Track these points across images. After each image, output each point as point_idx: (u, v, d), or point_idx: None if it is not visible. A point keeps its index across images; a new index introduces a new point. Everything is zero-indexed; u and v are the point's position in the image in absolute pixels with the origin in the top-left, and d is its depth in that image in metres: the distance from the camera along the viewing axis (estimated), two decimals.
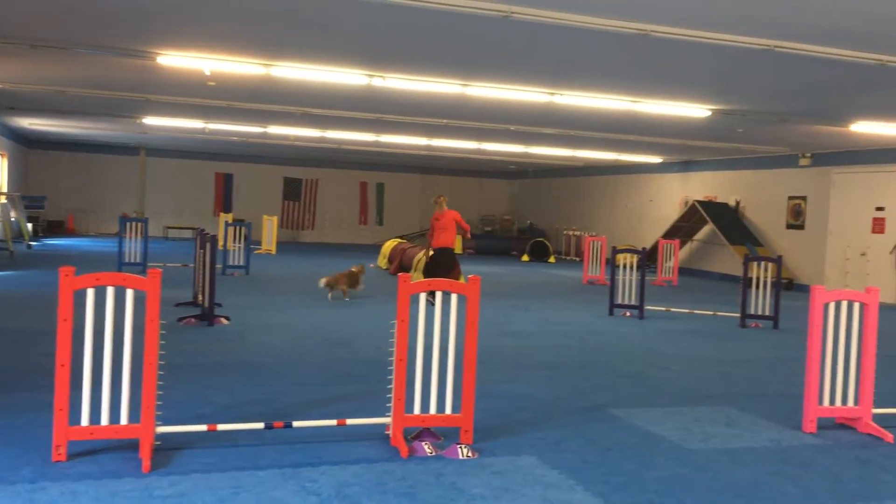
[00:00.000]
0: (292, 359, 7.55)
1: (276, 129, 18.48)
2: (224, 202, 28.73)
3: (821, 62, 8.21)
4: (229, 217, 22.95)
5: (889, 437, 5.50)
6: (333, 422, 4.97)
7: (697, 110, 12.21)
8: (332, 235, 30.05)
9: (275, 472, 4.33)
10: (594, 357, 8.37)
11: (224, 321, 9.41)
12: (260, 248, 22.33)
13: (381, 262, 19.04)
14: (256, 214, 26.06)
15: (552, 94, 11.26)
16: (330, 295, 12.41)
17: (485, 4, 6.66)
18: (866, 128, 13.20)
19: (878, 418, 5.76)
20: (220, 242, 18.90)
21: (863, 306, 5.74)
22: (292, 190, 29.58)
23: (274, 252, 22.13)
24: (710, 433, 5.54)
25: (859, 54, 7.89)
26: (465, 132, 17.28)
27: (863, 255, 16.68)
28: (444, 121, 15.35)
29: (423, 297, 4.94)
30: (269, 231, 22.37)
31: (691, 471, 4.68)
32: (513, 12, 6.72)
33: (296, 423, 4.90)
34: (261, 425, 4.84)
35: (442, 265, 12.54)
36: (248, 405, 5.70)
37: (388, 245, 19.28)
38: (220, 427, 4.79)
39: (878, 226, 16.43)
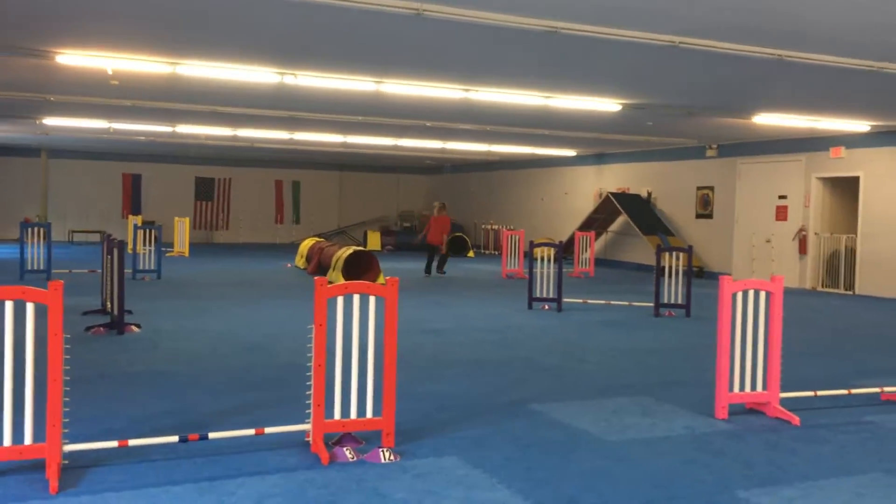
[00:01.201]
0: (207, 366, 7.35)
1: (185, 129, 17.99)
2: (133, 204, 27.84)
3: (723, 57, 8.47)
4: (138, 219, 22.27)
5: (795, 419, 5.71)
6: (251, 431, 4.85)
7: (608, 105, 12.45)
8: (247, 235, 29.49)
9: (191, 487, 4.19)
10: (514, 352, 8.44)
11: (135, 329, 9.10)
12: (172, 251, 21.73)
13: (299, 261, 18.78)
14: (167, 215, 25.39)
15: (467, 90, 11.29)
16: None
17: (395, 2, 6.61)
18: (768, 120, 13.71)
19: (785, 402, 5.98)
20: (130, 246, 18.30)
21: (769, 294, 5.94)
22: (204, 189, 28.88)
23: (187, 254, 21.57)
24: (628, 424, 5.64)
25: (759, 49, 8.17)
26: (382, 129, 17.19)
27: (768, 241, 17.35)
28: (360, 118, 15.23)
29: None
30: (181, 232, 21.78)
31: (611, 463, 4.76)
32: (424, 10, 6.69)
33: (212, 435, 4.76)
34: (175, 438, 4.68)
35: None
36: (162, 417, 5.52)
37: (306, 244, 19.03)
38: (132, 442, 4.62)
39: (781, 213, 17.12)
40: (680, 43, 7.79)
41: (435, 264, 17.59)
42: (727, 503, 4.15)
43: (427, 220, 17.99)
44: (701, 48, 7.99)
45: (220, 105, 13.90)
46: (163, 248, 17.24)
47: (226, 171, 28.89)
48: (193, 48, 8.98)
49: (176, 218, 22.63)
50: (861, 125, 14.38)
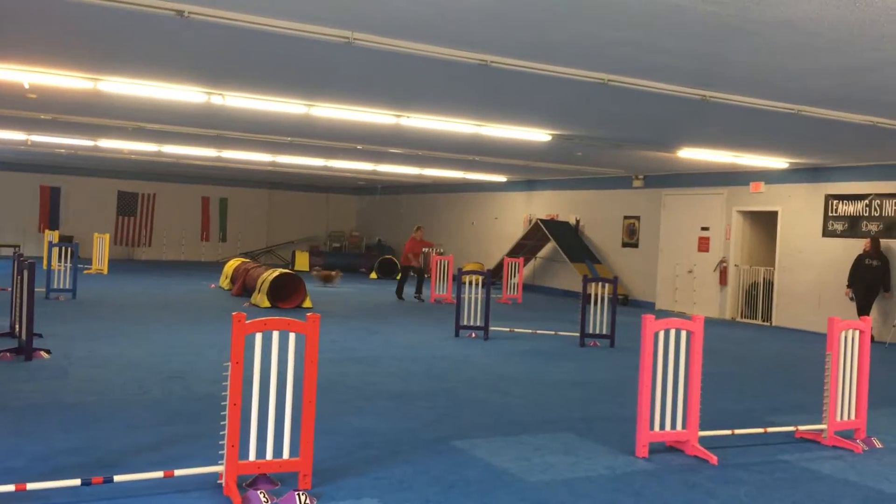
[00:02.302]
0: (121, 397, 7.05)
1: (107, 143, 17.44)
2: (50, 217, 26.83)
3: (650, 95, 8.63)
4: (55, 235, 21.47)
5: (713, 459, 5.78)
6: (160, 473, 4.63)
7: (538, 135, 12.57)
8: (171, 253, 28.74)
9: None
10: (440, 384, 8.36)
11: (44, 355, 8.69)
12: (90, 268, 20.99)
13: (223, 282, 18.36)
14: (87, 230, 24.55)
15: (398, 116, 11.24)
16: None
17: (325, 30, 6.52)
18: (692, 154, 14.06)
19: (704, 440, 6.06)
20: (44, 262, 17.60)
21: (689, 334, 6.02)
22: (127, 204, 28.05)
23: (105, 272, 20.86)
24: (550, 462, 5.62)
25: (684, 89, 8.36)
26: (312, 150, 16.99)
27: (690, 272, 17.74)
28: (290, 139, 15.02)
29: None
30: (101, 249, 21.07)
31: None
32: (354, 38, 6.62)
33: (117, 478, 4.53)
34: (77, 482, 4.44)
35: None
36: (67, 455, 5.24)
37: (231, 264, 18.63)
38: (31, 486, 4.36)
39: (704, 244, 17.54)
40: (609, 81, 7.90)
41: (413, 287, 18.19)
42: None
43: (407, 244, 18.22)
44: (629, 86, 8.12)
45: (144, 122, 13.52)
46: (80, 265, 16.61)
47: (150, 185, 28.13)
48: (116, 65, 8.69)
49: (95, 233, 21.89)
50: (780, 162, 14.88)
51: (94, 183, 27.29)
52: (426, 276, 18.52)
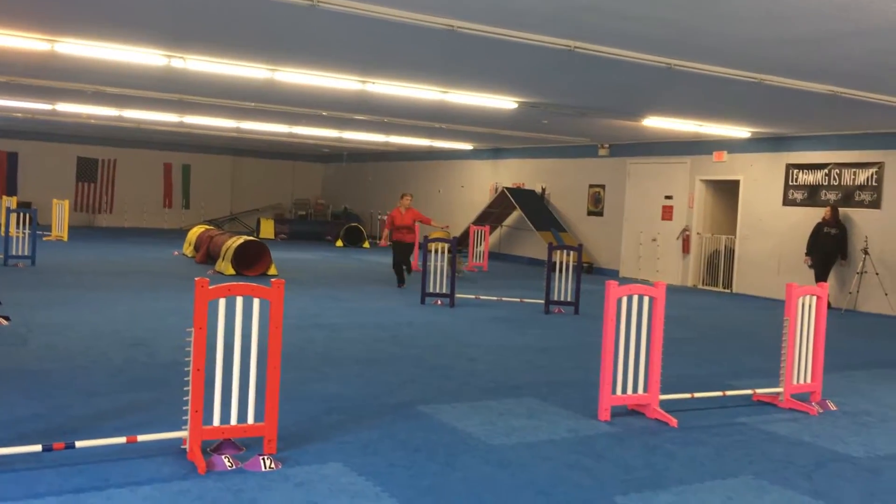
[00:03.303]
0: (82, 364, 6.98)
1: (65, 107, 17.05)
2: (7, 183, 26.26)
3: (617, 63, 8.65)
4: (13, 200, 21.02)
5: (673, 421, 5.90)
6: (123, 439, 4.60)
7: (504, 102, 12.54)
8: (132, 220, 28.31)
9: (54, 501, 3.94)
10: (405, 350, 8.39)
11: (3, 321, 8.55)
12: (49, 235, 20.62)
13: (187, 249, 18.17)
14: (46, 197, 24.06)
15: (364, 82, 11.14)
16: None
17: None
18: (656, 123, 14.14)
19: (665, 403, 6.17)
20: (2, 229, 17.26)
21: (652, 300, 6.10)
22: (87, 170, 27.53)
23: (66, 239, 20.52)
24: (514, 426, 5.68)
25: (650, 57, 8.38)
26: (276, 116, 16.78)
27: (654, 240, 17.94)
28: (253, 104, 14.82)
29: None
30: (60, 215, 20.69)
31: (494, 469, 4.77)
32: (319, 1, 6.52)
33: (79, 444, 4.49)
34: (38, 448, 4.40)
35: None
36: (28, 421, 5.19)
37: (194, 231, 18.42)
38: None
39: (667, 213, 17.73)
40: (575, 48, 7.89)
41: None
42: None
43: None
44: (595, 53, 8.12)
45: (103, 85, 13.22)
46: (39, 232, 16.31)
47: (110, 151, 27.60)
48: (73, 26, 8.48)
49: (55, 199, 21.46)
50: (742, 131, 15.03)
51: (52, 148, 26.70)
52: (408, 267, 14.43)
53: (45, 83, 13.19)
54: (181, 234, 24.09)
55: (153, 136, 25.00)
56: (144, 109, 16.96)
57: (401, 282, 14.02)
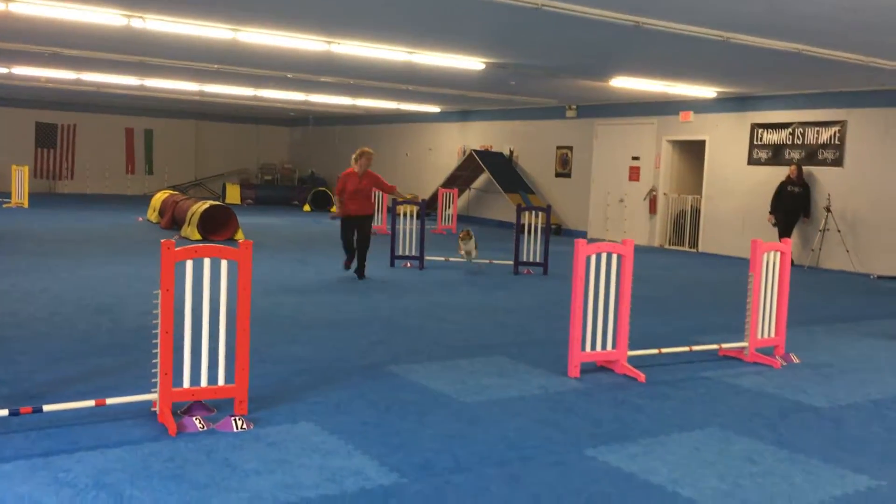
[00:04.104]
0: (46, 330, 6.88)
1: (21, 70, 16.60)
2: None
3: (584, 21, 8.60)
4: None
5: (641, 376, 5.98)
6: (91, 402, 4.56)
7: (472, 63, 12.44)
8: (95, 186, 27.79)
9: (22, 465, 3.90)
10: (375, 312, 8.38)
11: None
12: (9, 202, 20.19)
13: (151, 215, 17.92)
14: (4, 163, 23.51)
15: (329, 42, 10.97)
16: None
17: None
18: (624, 83, 14.14)
19: (633, 359, 6.25)
20: None
21: (620, 257, 6.15)
22: (46, 136, 26.90)
23: (26, 205, 20.12)
24: (485, 385, 5.73)
25: (618, 15, 8.35)
26: (240, 78, 16.50)
27: (621, 201, 18.05)
28: (216, 66, 14.54)
29: None
30: (20, 182, 20.25)
31: (466, 425, 4.81)
32: None
33: (46, 407, 4.44)
34: (5, 412, 4.34)
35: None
36: None
37: (159, 197, 18.15)
38: None
39: (634, 174, 17.82)
40: (542, 6, 7.83)
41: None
42: (575, 461, 4.29)
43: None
44: (563, 11, 8.07)
45: (60, 47, 12.88)
46: None
47: (70, 116, 26.96)
48: None
49: (13, 166, 20.99)
50: (708, 91, 15.09)
51: (9, 113, 26.01)
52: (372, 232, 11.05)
53: (0, 45, 12.81)
54: (145, 200, 23.71)
55: (114, 101, 24.47)
56: (104, 72, 16.58)
57: (350, 259, 10.63)
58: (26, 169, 20.58)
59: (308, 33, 10.50)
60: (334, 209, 10.63)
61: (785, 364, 6.70)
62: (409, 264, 12.08)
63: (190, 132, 29.55)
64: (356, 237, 10.49)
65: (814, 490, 4.01)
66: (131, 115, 27.92)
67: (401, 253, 12.20)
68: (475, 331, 7.65)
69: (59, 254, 11.85)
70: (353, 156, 10.35)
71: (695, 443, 4.66)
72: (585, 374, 6.06)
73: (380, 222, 17.74)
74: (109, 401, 4.59)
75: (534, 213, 12.44)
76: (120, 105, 26.20)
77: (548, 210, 12.19)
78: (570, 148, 19.48)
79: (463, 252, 11.77)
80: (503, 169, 20.51)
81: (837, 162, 14.03)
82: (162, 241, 4.49)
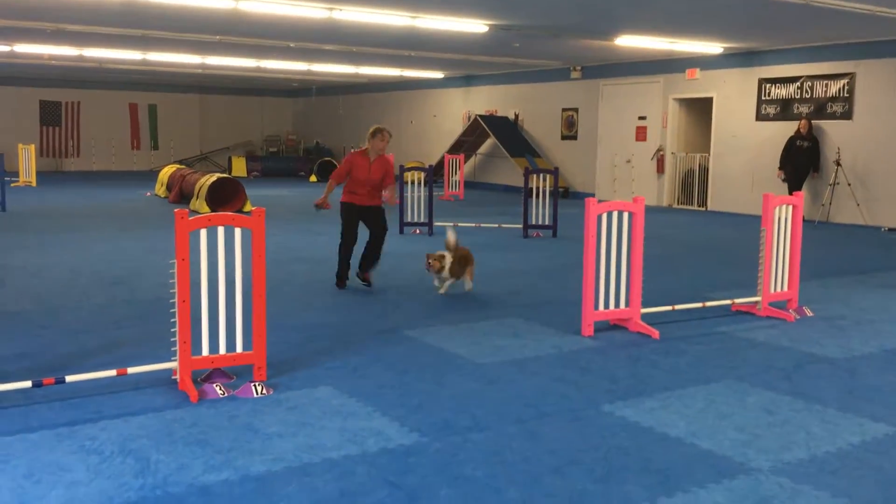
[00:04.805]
0: (63, 304, 6.94)
1: (25, 48, 16.54)
2: None
3: None
4: None
5: (655, 333, 6.01)
6: (113, 372, 4.62)
7: (475, 26, 12.33)
8: (101, 163, 27.80)
9: (48, 434, 3.97)
10: (387, 279, 8.40)
11: None
12: (17, 181, 20.24)
13: (159, 189, 17.94)
14: (10, 142, 23.49)
15: (331, 9, 10.88)
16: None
17: None
18: (629, 42, 14.00)
19: (646, 317, 6.27)
20: None
21: (631, 215, 6.14)
22: (51, 114, 26.86)
23: (34, 184, 20.15)
24: (499, 346, 5.76)
25: None
26: (242, 49, 16.40)
27: (628, 161, 17.96)
28: (218, 37, 14.45)
29: None
30: (27, 160, 20.27)
31: (482, 385, 4.85)
32: None
33: (69, 378, 4.50)
34: (28, 383, 4.40)
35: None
36: (12, 361, 5.17)
37: (166, 171, 18.15)
38: None
39: (641, 134, 17.71)
40: None
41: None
42: (593, 417, 4.33)
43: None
44: None
45: (63, 23, 12.82)
46: (7, 178, 16.00)
47: (74, 93, 26.89)
48: None
49: (20, 145, 20.99)
50: (715, 47, 14.93)
51: (13, 92, 25.95)
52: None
53: (3, 23, 12.76)
54: (152, 175, 23.72)
55: (117, 76, 24.39)
56: (106, 47, 16.51)
57: (343, 274, 7.87)
58: (32, 147, 20.58)
59: (309, 0, 10.41)
60: (323, 200, 7.83)
61: (798, 317, 6.71)
62: (418, 231, 12.09)
63: (194, 106, 29.45)
64: (369, 236, 7.85)
65: (831, 438, 4.05)
66: (135, 91, 27.83)
67: (409, 220, 12.20)
68: (488, 294, 7.67)
69: (71, 229, 11.90)
70: (369, 132, 7.70)
71: (711, 396, 4.69)
72: (599, 333, 6.09)
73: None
74: (131, 370, 4.65)
75: (541, 176, 12.40)
76: (123, 81, 26.11)
77: (555, 173, 12.16)
78: (576, 110, 19.35)
79: (436, 283, 7.65)
80: (509, 133, 20.41)
81: (846, 115, 13.91)
82: (175, 210, 4.51)
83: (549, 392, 4.73)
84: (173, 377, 4.70)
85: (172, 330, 4.62)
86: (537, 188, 12.18)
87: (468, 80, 22.42)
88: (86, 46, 16.37)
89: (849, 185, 13.69)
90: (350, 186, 7.74)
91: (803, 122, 14.11)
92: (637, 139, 17.76)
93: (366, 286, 7.89)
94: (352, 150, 8.37)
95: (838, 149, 13.82)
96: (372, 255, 7.93)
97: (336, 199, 7.85)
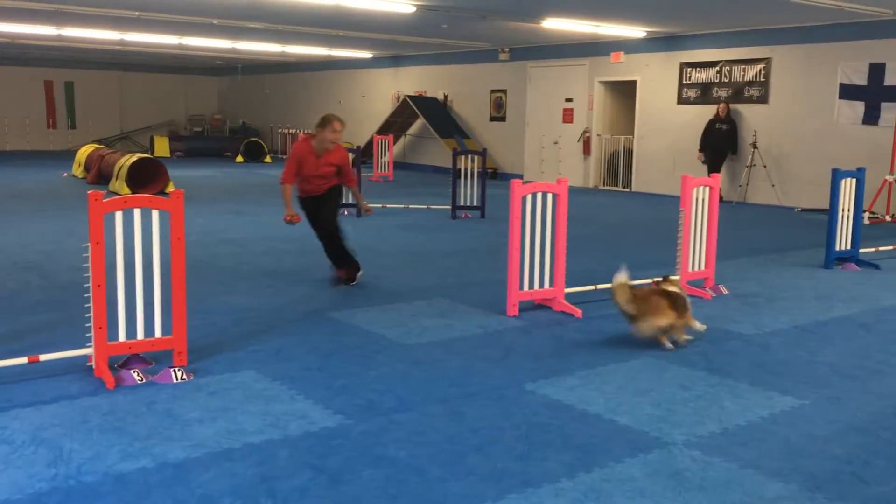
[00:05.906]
0: None
1: None
2: None
3: None
4: None
5: (578, 312, 6.12)
6: (24, 359, 4.47)
7: (402, 6, 12.25)
8: (15, 142, 26.70)
9: None
10: (313, 260, 8.30)
11: None
12: None
13: (77, 170, 17.35)
14: None
15: None
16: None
17: None
18: (555, 24, 14.12)
19: (570, 296, 6.38)
20: None
21: (555, 196, 6.22)
22: None
23: None
24: (425, 326, 5.79)
25: None
26: (163, 26, 15.92)
27: (556, 143, 18.17)
28: (137, 13, 14.00)
29: None
30: None
31: (408, 366, 4.87)
32: None
33: None
34: None
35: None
36: None
37: (84, 151, 17.56)
38: None
39: (568, 116, 17.93)
40: None
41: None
42: (516, 396, 4.39)
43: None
44: None
45: None
46: None
47: None
48: None
49: None
50: (638, 31, 15.19)
51: None
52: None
53: None
54: (69, 155, 22.91)
55: (31, 52, 23.40)
56: (18, 22, 15.80)
57: (339, 266, 7.23)
58: None
59: None
60: (290, 214, 6.82)
61: (715, 295, 6.93)
62: (346, 212, 11.99)
63: (114, 84, 28.51)
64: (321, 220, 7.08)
65: (742, 412, 4.20)
66: (50, 68, 26.76)
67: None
68: (415, 275, 7.69)
69: None
70: (317, 122, 6.86)
71: (630, 373, 4.81)
72: (524, 313, 6.16)
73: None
74: (43, 357, 4.51)
75: (470, 157, 12.44)
76: (38, 57, 25.07)
77: (483, 154, 12.22)
78: (504, 91, 19.45)
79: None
80: (438, 114, 20.39)
81: (763, 99, 14.35)
82: (88, 192, 4.37)
83: (473, 372, 4.78)
84: (89, 364, 4.58)
85: (88, 315, 4.49)
86: (466, 169, 12.22)
87: (397, 61, 22.28)
88: None
89: (765, 166, 14.15)
90: (301, 183, 6.97)
91: (722, 105, 14.50)
92: (564, 121, 17.97)
93: (348, 284, 7.07)
94: (300, 135, 7.22)
95: (755, 132, 14.26)
96: (334, 254, 7.14)
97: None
